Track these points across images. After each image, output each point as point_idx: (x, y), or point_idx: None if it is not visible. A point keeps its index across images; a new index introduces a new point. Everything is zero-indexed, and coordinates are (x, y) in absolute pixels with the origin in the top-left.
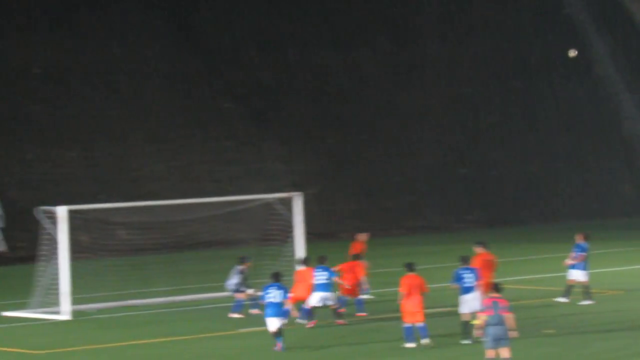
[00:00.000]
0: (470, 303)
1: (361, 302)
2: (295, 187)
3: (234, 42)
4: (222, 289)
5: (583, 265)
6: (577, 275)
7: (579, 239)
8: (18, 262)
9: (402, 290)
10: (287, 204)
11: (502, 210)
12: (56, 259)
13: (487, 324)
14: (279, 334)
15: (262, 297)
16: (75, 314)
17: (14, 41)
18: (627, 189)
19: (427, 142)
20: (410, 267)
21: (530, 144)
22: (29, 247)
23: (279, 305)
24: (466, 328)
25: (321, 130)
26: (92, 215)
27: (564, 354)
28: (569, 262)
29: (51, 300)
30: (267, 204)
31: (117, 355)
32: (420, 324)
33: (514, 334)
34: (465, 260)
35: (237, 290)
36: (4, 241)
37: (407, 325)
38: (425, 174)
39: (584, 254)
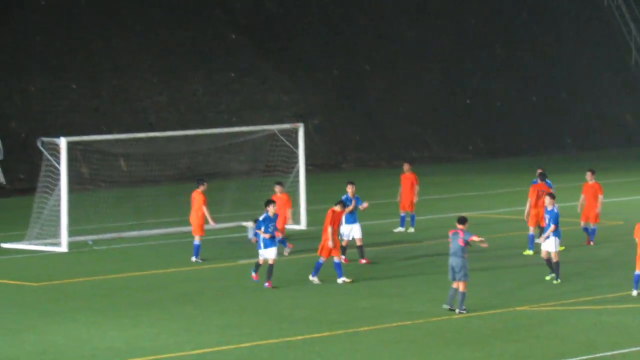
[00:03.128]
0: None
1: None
2: (298, 119)
3: None
4: (222, 220)
5: None
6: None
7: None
8: (17, 194)
9: (326, 224)
10: (290, 135)
11: (505, 141)
12: (56, 190)
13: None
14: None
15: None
16: (73, 245)
17: None
18: (629, 118)
19: (430, 73)
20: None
21: (533, 75)
22: (28, 179)
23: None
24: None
25: (325, 61)
26: (92, 147)
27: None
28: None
29: (50, 232)
30: (270, 135)
31: (113, 287)
32: (337, 260)
33: (484, 244)
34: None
35: None
36: (3, 173)
37: (321, 260)
38: (429, 105)
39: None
